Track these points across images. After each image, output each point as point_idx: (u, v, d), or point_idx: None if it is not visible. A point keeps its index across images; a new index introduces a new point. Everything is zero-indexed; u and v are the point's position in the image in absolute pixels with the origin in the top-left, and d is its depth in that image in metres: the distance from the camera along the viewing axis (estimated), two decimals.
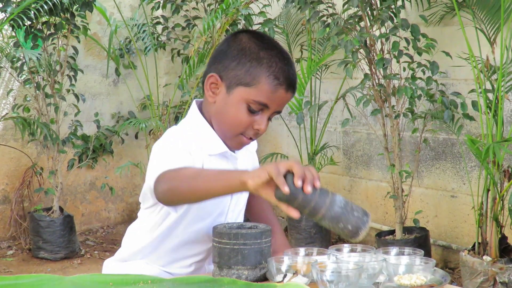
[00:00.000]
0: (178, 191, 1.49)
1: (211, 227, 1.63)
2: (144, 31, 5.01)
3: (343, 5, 3.72)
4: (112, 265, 1.83)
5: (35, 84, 4.35)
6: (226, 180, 1.41)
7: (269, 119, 1.67)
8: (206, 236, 1.73)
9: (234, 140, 1.68)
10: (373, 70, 3.70)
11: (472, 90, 3.48)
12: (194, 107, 1.73)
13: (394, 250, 1.62)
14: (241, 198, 1.81)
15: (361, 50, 3.68)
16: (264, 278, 1.55)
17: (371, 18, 3.68)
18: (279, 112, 1.67)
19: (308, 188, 1.31)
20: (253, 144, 1.83)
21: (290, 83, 1.64)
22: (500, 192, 3.29)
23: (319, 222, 1.34)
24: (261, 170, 1.33)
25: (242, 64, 1.62)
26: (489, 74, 3.38)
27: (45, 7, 4.03)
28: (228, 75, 1.63)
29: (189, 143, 1.66)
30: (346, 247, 1.63)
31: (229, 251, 1.54)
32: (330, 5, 4.02)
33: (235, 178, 1.38)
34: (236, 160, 1.73)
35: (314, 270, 1.46)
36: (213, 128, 1.69)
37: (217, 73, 1.65)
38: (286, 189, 1.30)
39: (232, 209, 1.77)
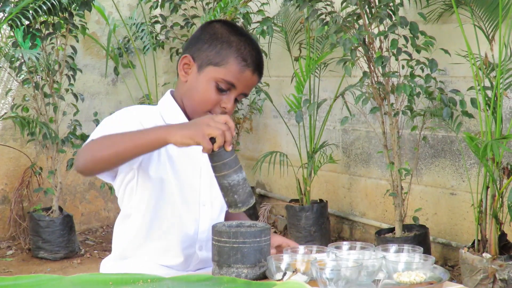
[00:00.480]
0: (100, 157, 1.56)
1: (187, 211, 1.72)
2: (142, 30, 5.01)
3: (342, 3, 3.72)
4: (110, 264, 1.84)
5: (33, 84, 4.34)
6: (151, 136, 1.51)
7: (237, 101, 1.77)
8: (186, 218, 1.77)
9: None
10: (372, 68, 3.70)
11: (471, 88, 3.48)
12: (167, 93, 1.84)
13: (393, 248, 1.62)
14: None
15: (360, 48, 3.68)
16: (263, 277, 1.55)
17: (370, 16, 3.68)
18: (245, 95, 1.78)
19: (228, 148, 1.50)
20: None
21: (256, 66, 1.76)
22: (500, 189, 3.29)
23: (218, 178, 1.53)
24: (188, 137, 1.47)
25: (214, 46, 1.74)
26: (487, 71, 3.38)
27: (44, 7, 4.03)
28: (200, 56, 1.75)
29: (146, 114, 1.74)
30: (345, 245, 1.63)
31: (228, 250, 1.54)
32: (329, 3, 4.02)
33: (160, 136, 1.50)
34: None
35: (313, 268, 1.46)
36: (180, 108, 1.79)
37: (190, 55, 1.77)
38: (206, 152, 1.49)
39: (204, 193, 1.79)
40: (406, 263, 1.53)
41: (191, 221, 1.78)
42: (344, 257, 1.54)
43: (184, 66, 1.77)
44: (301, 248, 1.63)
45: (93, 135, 1.64)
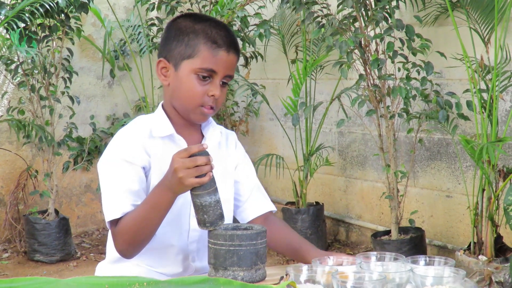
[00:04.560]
0: (140, 241, 1.68)
1: (177, 223, 1.72)
2: (139, 32, 5.01)
3: (338, 6, 3.73)
4: (104, 268, 1.83)
5: (29, 87, 4.34)
6: (170, 203, 1.63)
7: (224, 85, 1.76)
8: (176, 230, 1.76)
9: (196, 113, 1.76)
10: (368, 70, 3.70)
11: (467, 90, 3.49)
12: (159, 105, 1.84)
13: (422, 260, 1.56)
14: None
15: (356, 51, 3.68)
16: (259, 279, 1.55)
17: (366, 18, 3.69)
18: (231, 77, 1.77)
19: (209, 175, 1.58)
20: (232, 139, 1.91)
21: (229, 45, 1.74)
22: (495, 191, 3.29)
23: (192, 196, 1.59)
24: (181, 185, 1.56)
25: (181, 41, 1.74)
26: (483, 74, 3.38)
27: (41, 9, 4.01)
28: (173, 55, 1.75)
29: (132, 146, 1.73)
30: (373, 256, 1.58)
31: (224, 253, 1.54)
32: (325, 5, 4.02)
33: (173, 198, 1.62)
34: (183, 143, 1.78)
35: (334, 281, 1.40)
36: (170, 116, 1.79)
37: (164, 57, 1.77)
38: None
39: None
40: (435, 278, 1.44)
41: (181, 232, 1.77)
42: (368, 269, 1.47)
43: (162, 70, 1.77)
44: (331, 259, 1.58)
45: (105, 205, 1.70)
